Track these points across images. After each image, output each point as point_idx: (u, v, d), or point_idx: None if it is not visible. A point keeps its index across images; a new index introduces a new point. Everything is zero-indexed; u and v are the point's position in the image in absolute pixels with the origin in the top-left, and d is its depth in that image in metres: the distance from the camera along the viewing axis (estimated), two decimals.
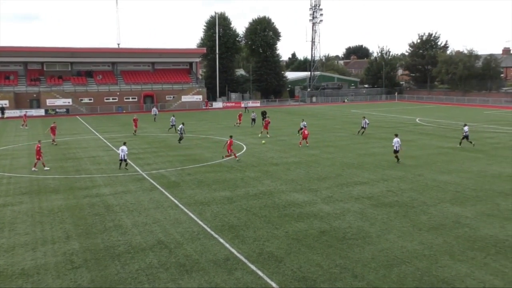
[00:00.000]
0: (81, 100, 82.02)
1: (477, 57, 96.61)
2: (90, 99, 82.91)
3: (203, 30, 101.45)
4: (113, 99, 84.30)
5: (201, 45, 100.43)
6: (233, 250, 16.03)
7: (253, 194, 23.50)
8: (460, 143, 37.24)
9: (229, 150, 32.41)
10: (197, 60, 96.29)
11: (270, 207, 21.16)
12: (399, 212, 20.14)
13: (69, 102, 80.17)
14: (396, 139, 30.54)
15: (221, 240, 17.00)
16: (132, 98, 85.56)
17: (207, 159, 33.28)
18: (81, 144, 41.98)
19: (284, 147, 38.14)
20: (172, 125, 50.28)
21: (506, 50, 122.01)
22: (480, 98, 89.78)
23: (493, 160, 31.63)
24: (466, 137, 36.78)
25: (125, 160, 29.95)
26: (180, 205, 21.72)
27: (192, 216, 19.99)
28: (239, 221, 19.25)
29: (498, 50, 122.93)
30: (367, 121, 45.53)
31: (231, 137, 33.55)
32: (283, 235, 17.52)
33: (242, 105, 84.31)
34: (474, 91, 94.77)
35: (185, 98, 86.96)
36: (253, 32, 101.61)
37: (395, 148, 30.45)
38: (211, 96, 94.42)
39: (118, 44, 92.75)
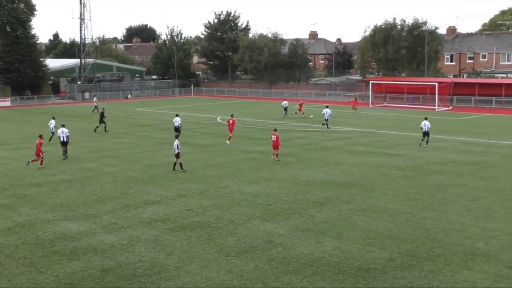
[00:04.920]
0: None
1: (283, 41, 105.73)
2: None
3: None
4: None
5: None
6: None
7: (6, 229, 22.12)
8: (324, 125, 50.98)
9: (38, 154, 34.04)
10: None
11: (31, 244, 20.16)
12: (202, 236, 20.92)
13: None
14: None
15: None
16: None
17: None
18: None
19: (49, 161, 36.44)
20: (52, 133, 44.16)
21: (313, 34, 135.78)
22: (288, 91, 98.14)
23: (305, 164, 34.92)
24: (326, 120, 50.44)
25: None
26: None
27: None
28: None
29: (304, 35, 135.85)
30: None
31: (40, 136, 34.69)
32: (51, 280, 16.85)
33: (94, 103, 73.46)
34: (281, 82, 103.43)
35: None
36: None
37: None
38: None
39: None
